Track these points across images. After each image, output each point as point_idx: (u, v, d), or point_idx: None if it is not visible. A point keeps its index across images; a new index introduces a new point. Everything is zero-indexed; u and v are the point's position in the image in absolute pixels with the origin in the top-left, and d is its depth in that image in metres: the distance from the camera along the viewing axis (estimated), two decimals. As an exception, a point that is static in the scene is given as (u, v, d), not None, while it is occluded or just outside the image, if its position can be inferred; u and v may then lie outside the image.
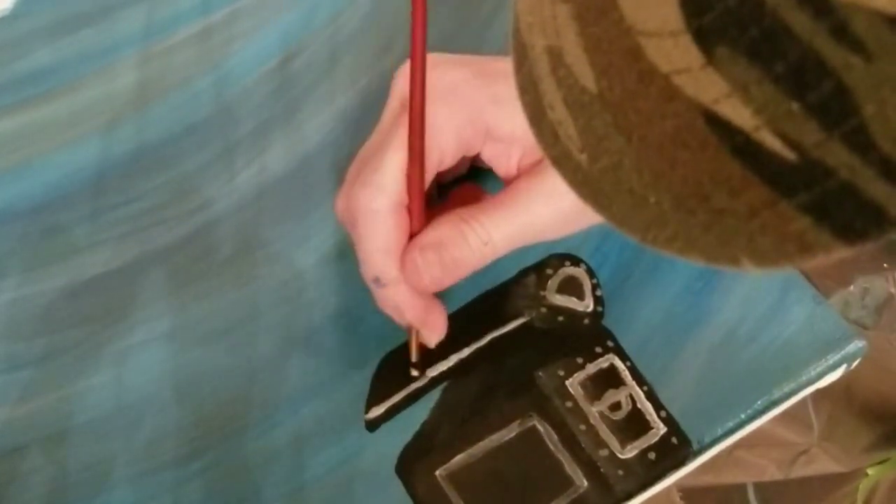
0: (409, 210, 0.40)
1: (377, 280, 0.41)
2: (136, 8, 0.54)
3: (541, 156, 0.40)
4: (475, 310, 0.47)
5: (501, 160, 0.42)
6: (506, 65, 0.42)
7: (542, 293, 0.48)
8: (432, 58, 0.41)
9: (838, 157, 0.21)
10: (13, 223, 0.49)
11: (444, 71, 0.40)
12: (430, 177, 0.40)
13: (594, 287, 0.48)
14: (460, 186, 0.45)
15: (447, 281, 0.41)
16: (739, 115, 0.21)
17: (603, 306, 0.48)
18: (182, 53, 0.53)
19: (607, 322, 0.47)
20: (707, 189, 0.23)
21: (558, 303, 0.48)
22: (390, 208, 0.40)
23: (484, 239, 0.40)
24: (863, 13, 0.19)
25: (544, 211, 0.40)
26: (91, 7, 0.53)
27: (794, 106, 0.21)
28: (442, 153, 0.40)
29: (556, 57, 0.25)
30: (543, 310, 0.47)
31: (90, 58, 0.52)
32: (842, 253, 0.22)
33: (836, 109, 0.20)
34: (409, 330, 0.44)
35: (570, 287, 0.48)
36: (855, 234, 0.21)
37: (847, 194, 0.21)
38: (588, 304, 0.48)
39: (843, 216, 0.21)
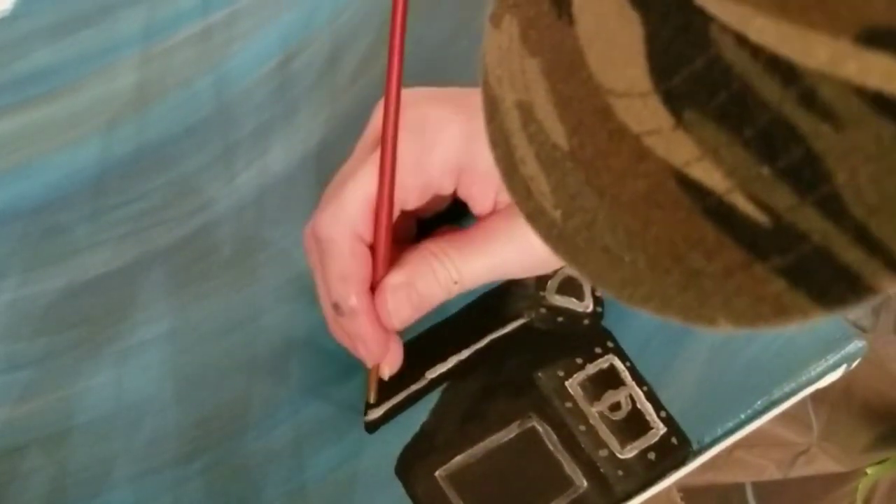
0: (373, 249, 0.40)
1: (336, 307, 0.40)
2: (136, 8, 0.54)
3: None
4: (475, 311, 0.47)
5: (478, 198, 0.41)
6: None
7: (541, 294, 0.48)
8: (412, 93, 0.41)
9: (811, 222, 0.20)
10: (13, 223, 0.49)
11: (423, 109, 0.40)
12: (394, 214, 0.40)
13: (594, 287, 0.48)
14: (439, 230, 0.44)
15: (416, 317, 0.41)
16: (711, 177, 0.21)
17: (602, 307, 0.48)
18: (182, 54, 0.53)
19: (607, 323, 0.47)
20: (681, 249, 0.22)
21: (558, 303, 0.48)
22: (346, 237, 0.39)
23: (454, 277, 0.40)
24: (831, 82, 0.19)
25: (515, 253, 0.40)
26: (91, 7, 0.53)
27: (765, 170, 0.20)
28: (405, 192, 0.40)
29: (526, 112, 0.25)
30: (543, 310, 0.47)
31: (90, 58, 0.52)
32: (819, 317, 0.21)
33: (807, 176, 0.20)
34: (367, 368, 0.44)
35: (570, 288, 0.48)
36: (831, 299, 0.21)
37: (821, 259, 0.21)
38: (588, 305, 0.48)
39: (819, 281, 0.21)
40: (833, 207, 0.20)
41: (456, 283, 0.40)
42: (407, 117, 0.39)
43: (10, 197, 0.49)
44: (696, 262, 0.22)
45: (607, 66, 0.22)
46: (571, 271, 0.48)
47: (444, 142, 0.40)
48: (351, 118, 0.52)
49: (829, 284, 0.21)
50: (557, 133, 0.24)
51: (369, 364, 0.43)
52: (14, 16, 0.53)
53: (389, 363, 0.43)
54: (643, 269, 0.23)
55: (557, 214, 0.24)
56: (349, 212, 0.39)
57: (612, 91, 0.22)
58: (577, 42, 0.23)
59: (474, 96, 0.42)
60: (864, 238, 0.20)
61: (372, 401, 0.45)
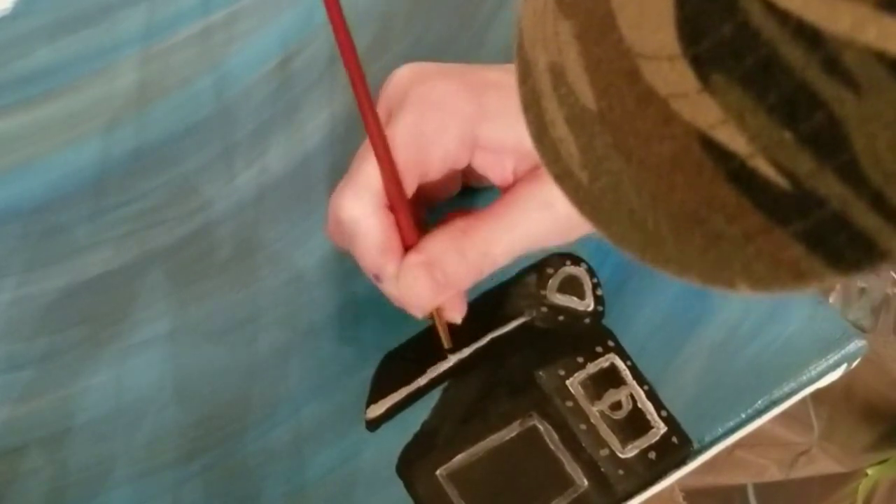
0: (394, 214, 0.40)
1: (377, 277, 0.41)
2: (137, 8, 0.54)
3: (536, 162, 0.40)
4: (476, 309, 0.47)
5: (496, 170, 0.42)
6: (495, 74, 0.42)
7: (542, 293, 0.48)
8: (423, 68, 0.41)
9: (831, 187, 0.21)
10: (13, 223, 0.49)
11: (433, 84, 0.40)
12: (412, 188, 0.40)
13: (595, 286, 0.48)
14: (453, 212, 0.44)
15: (446, 293, 0.41)
16: (734, 141, 0.22)
17: (603, 306, 0.48)
18: (182, 53, 0.53)
19: (608, 321, 0.47)
20: (703, 213, 0.23)
21: (559, 302, 0.48)
22: (369, 213, 0.40)
23: (482, 250, 0.40)
24: (853, 48, 0.19)
25: (543, 219, 0.40)
26: (91, 7, 0.53)
27: (787, 135, 0.21)
28: (426, 165, 0.40)
29: (557, 74, 0.25)
30: (544, 309, 0.47)
31: (90, 58, 0.52)
32: (835, 281, 0.22)
33: (827, 142, 0.20)
34: (432, 317, 0.44)
35: (571, 286, 0.48)
36: (847, 263, 0.21)
37: (839, 225, 0.21)
38: (588, 304, 0.48)
39: (836, 246, 0.21)
40: (851, 173, 0.20)
41: (486, 255, 0.40)
42: (420, 91, 0.39)
43: (10, 196, 0.49)
44: (717, 226, 0.23)
45: (637, 29, 0.23)
46: (572, 270, 0.48)
47: (458, 114, 0.40)
48: (351, 118, 0.52)
49: (844, 249, 0.21)
50: (586, 95, 0.24)
51: (420, 317, 0.43)
52: (14, 15, 0.53)
53: (453, 309, 0.44)
54: (665, 231, 0.24)
55: (584, 176, 0.25)
56: (371, 186, 0.39)
57: (641, 54, 0.23)
58: (610, 5, 0.23)
59: (480, 72, 0.42)
60: (881, 204, 0.20)
61: (447, 346, 0.45)
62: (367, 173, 0.40)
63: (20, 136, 0.50)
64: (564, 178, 0.26)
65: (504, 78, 0.42)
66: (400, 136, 0.39)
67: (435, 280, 0.40)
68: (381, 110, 0.41)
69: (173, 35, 0.54)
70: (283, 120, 0.52)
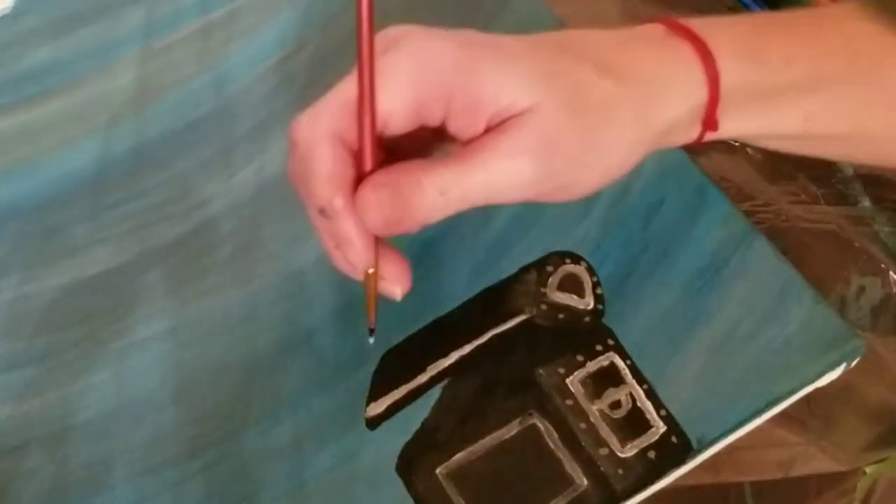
0: (360, 149, 0.38)
1: (322, 211, 0.39)
2: (136, 7, 0.54)
3: (506, 119, 0.40)
4: (476, 307, 0.47)
5: (468, 130, 0.39)
6: (483, 37, 0.40)
7: (542, 291, 0.48)
8: (411, 27, 0.39)
9: None
10: (14, 221, 0.49)
11: (417, 36, 0.39)
12: (379, 126, 0.38)
13: (594, 285, 0.48)
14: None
15: (399, 226, 0.38)
16: None
17: (603, 304, 0.48)
18: (181, 52, 0.53)
19: (607, 320, 0.47)
20: None
21: (559, 300, 0.48)
22: (325, 137, 0.38)
23: (440, 188, 0.38)
24: None
25: (504, 169, 0.39)
26: (91, 6, 0.53)
27: None
28: (391, 109, 0.38)
29: None
30: (544, 307, 0.47)
31: (90, 56, 0.53)
32: None
33: None
34: (365, 285, 0.41)
35: (571, 285, 0.48)
36: None
37: None
38: (588, 302, 0.48)
39: None
40: None
41: (443, 194, 0.38)
42: (397, 39, 0.38)
43: (10, 195, 0.49)
44: None
45: None
46: (572, 268, 0.48)
47: (437, 64, 0.38)
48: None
49: None
50: None
51: (359, 274, 0.40)
52: (14, 14, 0.53)
53: (397, 278, 0.41)
54: None
55: None
56: (328, 111, 0.38)
57: None
58: None
59: (469, 33, 0.41)
60: None
61: (371, 324, 0.43)
62: (329, 99, 0.38)
63: (20, 135, 0.50)
64: None
65: (489, 38, 0.40)
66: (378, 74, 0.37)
67: (395, 204, 0.38)
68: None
69: (173, 33, 0.54)
70: (281, 118, 0.52)
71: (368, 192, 0.38)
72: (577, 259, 0.48)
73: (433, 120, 0.39)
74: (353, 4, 0.38)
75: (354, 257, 0.39)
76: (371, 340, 0.43)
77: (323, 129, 0.38)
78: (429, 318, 0.47)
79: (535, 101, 0.39)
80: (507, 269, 0.48)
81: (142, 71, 0.53)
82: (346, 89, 0.38)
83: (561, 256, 0.48)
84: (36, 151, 0.50)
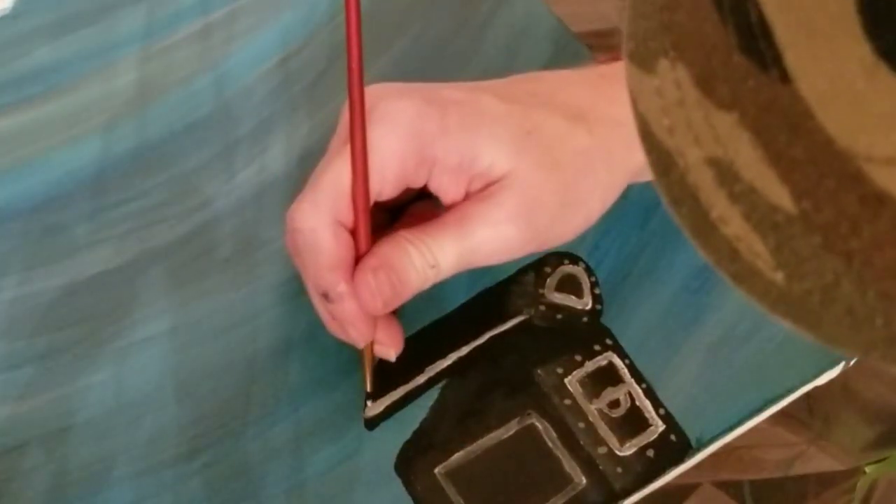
0: (355, 230, 0.40)
1: (326, 295, 0.41)
2: (137, 7, 0.54)
3: (488, 183, 0.41)
4: (474, 308, 0.47)
5: (449, 190, 0.41)
6: (456, 94, 0.42)
7: (540, 291, 0.48)
8: (381, 88, 0.41)
9: None
10: (14, 222, 0.49)
11: (395, 101, 0.40)
12: (370, 200, 0.40)
13: (593, 285, 0.48)
14: (414, 205, 0.44)
15: (396, 302, 0.41)
16: None
17: (601, 304, 0.48)
18: (182, 52, 0.53)
19: (606, 320, 0.47)
20: None
21: (557, 301, 0.48)
22: (327, 224, 0.39)
23: (430, 262, 0.40)
24: None
25: (490, 237, 0.40)
26: (91, 6, 0.53)
27: None
28: (382, 183, 0.40)
29: (724, 170, 0.23)
30: (542, 308, 0.48)
31: (90, 57, 0.53)
32: None
33: None
34: (363, 355, 0.44)
35: (569, 285, 0.48)
36: None
37: None
38: (586, 302, 0.48)
39: None
40: None
41: (433, 267, 0.40)
42: (380, 111, 0.39)
43: (10, 195, 0.49)
44: None
45: (858, 131, 0.21)
46: (570, 269, 0.48)
47: (420, 135, 0.40)
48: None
49: None
50: (777, 195, 0.22)
51: (361, 344, 0.42)
52: (14, 14, 0.53)
53: (391, 343, 0.43)
54: None
55: (779, 276, 0.23)
56: (328, 198, 0.39)
57: (870, 158, 0.21)
58: (802, 102, 0.21)
59: (442, 91, 0.42)
60: None
61: (369, 388, 0.45)
62: (327, 185, 0.39)
63: (20, 135, 0.50)
64: (748, 278, 0.23)
65: (465, 96, 0.42)
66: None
67: (391, 284, 0.40)
68: (344, 129, 0.41)
69: (173, 34, 0.54)
70: (282, 118, 0.52)
71: (369, 278, 0.40)
72: (575, 259, 0.49)
73: (417, 183, 0.41)
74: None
75: (356, 335, 0.42)
76: (369, 405, 0.45)
77: (323, 217, 0.40)
78: (427, 320, 0.47)
79: (513, 165, 0.40)
80: (505, 270, 0.48)
81: (142, 71, 0.53)
82: (340, 174, 0.40)
83: (559, 257, 0.48)
84: (36, 151, 0.50)
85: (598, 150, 0.42)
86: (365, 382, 0.45)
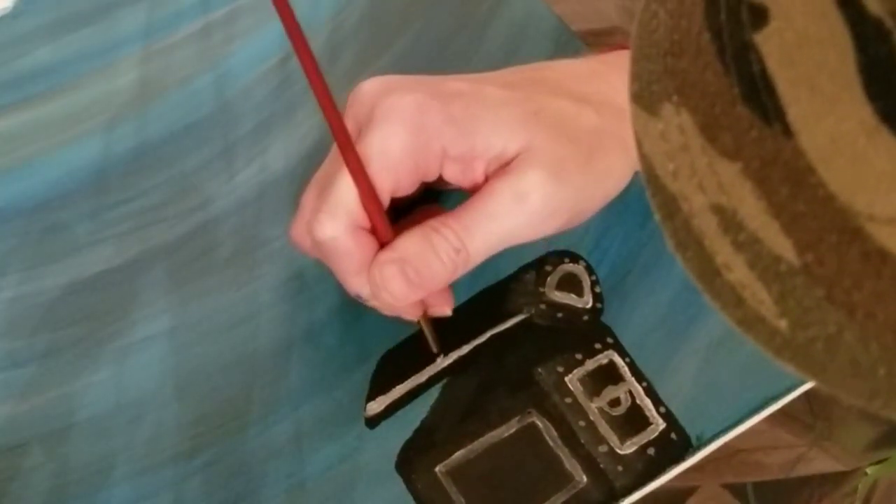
0: (373, 228, 0.40)
1: (359, 297, 0.42)
2: (137, 7, 0.54)
3: (505, 163, 0.40)
4: (474, 307, 0.47)
5: (466, 176, 0.41)
6: (459, 84, 0.42)
7: (541, 290, 0.48)
8: (387, 81, 0.41)
9: None
10: (14, 221, 0.49)
11: (399, 97, 0.40)
12: (386, 202, 0.40)
13: (593, 283, 0.48)
14: (421, 208, 0.44)
15: (417, 294, 0.40)
16: None
17: (602, 303, 0.48)
18: (182, 52, 0.53)
19: (606, 318, 0.47)
20: None
21: (557, 299, 0.48)
22: (347, 232, 0.40)
23: (456, 245, 0.40)
24: None
25: (517, 212, 0.40)
26: (91, 6, 0.53)
27: None
28: (397, 180, 0.40)
29: (728, 217, 0.23)
30: (543, 306, 0.48)
31: (91, 56, 0.53)
32: None
33: None
34: (419, 322, 0.44)
35: (569, 284, 0.48)
36: None
37: None
38: (587, 301, 0.48)
39: None
40: None
41: (459, 251, 0.40)
42: (384, 107, 0.39)
43: (11, 195, 0.49)
44: None
45: (859, 189, 0.21)
46: (571, 267, 0.48)
47: (427, 128, 0.40)
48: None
49: None
50: (781, 246, 0.22)
51: (414, 319, 0.44)
52: (15, 14, 0.53)
53: (442, 306, 0.44)
54: None
55: (783, 324, 0.23)
56: (343, 205, 0.39)
57: (871, 217, 0.21)
58: (804, 157, 0.22)
59: (445, 83, 0.42)
60: None
61: (435, 350, 0.46)
62: (341, 193, 0.39)
63: (21, 135, 0.51)
64: (753, 324, 0.23)
65: (468, 87, 0.41)
66: (370, 153, 0.39)
67: (407, 278, 0.40)
68: (349, 125, 0.41)
69: (173, 33, 0.54)
70: (283, 118, 0.52)
71: (374, 272, 0.40)
72: (575, 258, 0.49)
73: (431, 175, 0.41)
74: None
75: (405, 315, 0.43)
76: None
77: (342, 224, 0.40)
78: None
79: (528, 141, 0.40)
80: (506, 268, 0.48)
81: (143, 71, 0.53)
82: (350, 181, 0.39)
83: (559, 255, 0.48)
84: (37, 151, 0.50)
85: (607, 129, 0.42)
86: (431, 345, 0.46)
